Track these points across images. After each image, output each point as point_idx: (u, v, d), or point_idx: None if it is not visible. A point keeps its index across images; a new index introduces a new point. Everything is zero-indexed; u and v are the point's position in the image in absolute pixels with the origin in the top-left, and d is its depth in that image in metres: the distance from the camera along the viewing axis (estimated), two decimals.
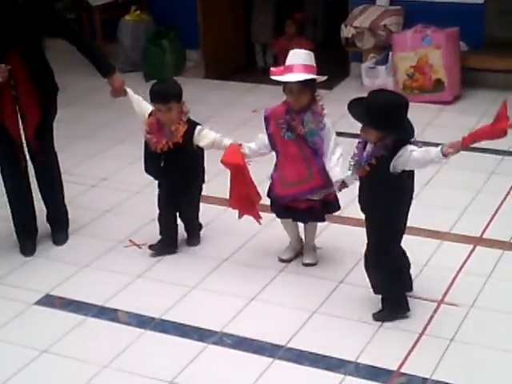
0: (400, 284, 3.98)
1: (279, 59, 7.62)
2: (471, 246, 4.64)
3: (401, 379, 3.62)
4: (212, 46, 7.84)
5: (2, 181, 4.79)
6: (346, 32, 7.18)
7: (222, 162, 4.29)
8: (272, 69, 4.26)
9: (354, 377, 3.65)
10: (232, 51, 7.97)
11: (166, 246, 4.69)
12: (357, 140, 3.90)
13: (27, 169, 4.75)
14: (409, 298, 4.06)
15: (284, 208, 4.39)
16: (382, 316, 4.00)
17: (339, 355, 3.78)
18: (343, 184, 4.12)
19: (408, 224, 4.80)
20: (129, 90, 4.74)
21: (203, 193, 4.71)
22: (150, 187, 5.00)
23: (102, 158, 6.14)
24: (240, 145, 4.34)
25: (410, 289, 4.05)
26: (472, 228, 4.83)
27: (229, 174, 4.36)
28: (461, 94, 6.97)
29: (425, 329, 3.93)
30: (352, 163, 3.89)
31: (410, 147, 3.69)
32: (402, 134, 3.73)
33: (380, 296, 4.02)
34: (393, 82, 6.95)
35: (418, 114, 6.52)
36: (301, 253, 4.57)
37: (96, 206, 5.31)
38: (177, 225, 4.71)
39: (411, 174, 3.80)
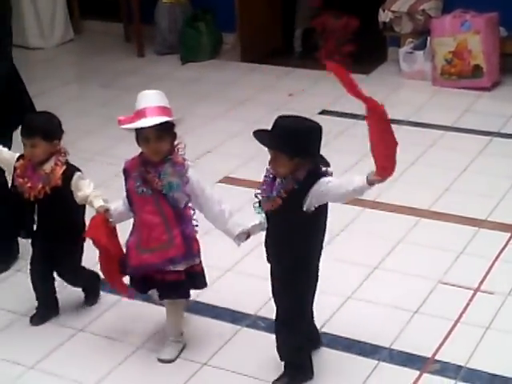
0: (309, 348, 3.58)
1: (322, 38, 7.57)
2: (508, 234, 4.59)
3: (435, 366, 3.60)
4: (248, 29, 7.80)
5: None
6: (384, 16, 7.11)
7: (84, 235, 3.72)
8: (120, 118, 3.57)
9: (387, 363, 3.63)
10: (269, 34, 7.93)
11: (45, 313, 4.05)
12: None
13: None
14: (446, 286, 4.05)
15: (143, 280, 3.65)
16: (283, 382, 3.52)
17: (373, 341, 3.76)
18: (248, 235, 3.55)
19: (445, 211, 4.81)
20: None
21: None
22: None
23: None
24: (107, 210, 3.65)
25: (319, 343, 3.73)
26: (509, 216, 4.77)
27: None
28: (500, 81, 6.87)
29: (460, 316, 3.90)
30: (259, 197, 3.33)
31: (326, 179, 3.20)
32: (320, 160, 3.23)
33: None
34: (431, 68, 6.88)
35: (456, 100, 6.54)
36: None
37: None
38: (54, 287, 4.04)
39: (325, 209, 3.30)
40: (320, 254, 3.41)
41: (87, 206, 3.82)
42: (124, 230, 3.70)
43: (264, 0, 7.84)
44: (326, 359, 3.69)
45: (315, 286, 3.46)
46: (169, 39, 7.95)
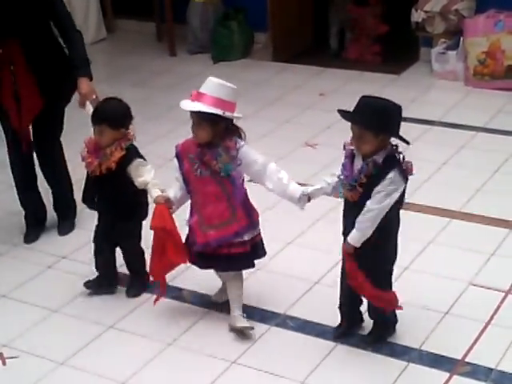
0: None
1: (353, 34, 7.57)
2: None
3: (465, 368, 3.58)
4: (280, 28, 7.80)
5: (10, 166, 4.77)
6: (417, 16, 7.07)
7: (150, 227, 3.79)
8: (193, 91, 3.68)
9: (417, 364, 3.62)
10: (300, 34, 7.92)
11: (102, 284, 4.22)
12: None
13: (31, 156, 4.69)
14: (477, 287, 4.03)
15: (206, 256, 3.80)
16: (375, 339, 3.76)
17: (403, 342, 3.75)
18: (309, 198, 3.67)
19: (476, 212, 4.79)
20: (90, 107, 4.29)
21: None
22: None
23: (169, 138, 6.18)
24: (168, 199, 3.76)
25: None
26: None
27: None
28: None
29: (491, 318, 3.88)
30: (340, 182, 3.51)
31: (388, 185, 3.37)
32: (401, 138, 3.41)
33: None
34: (463, 68, 6.83)
35: (489, 101, 6.49)
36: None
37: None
38: (115, 260, 4.22)
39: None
40: (397, 234, 3.59)
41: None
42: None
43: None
44: (355, 360, 3.68)
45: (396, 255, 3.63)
46: (201, 38, 7.98)
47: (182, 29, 7.96)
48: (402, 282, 4.15)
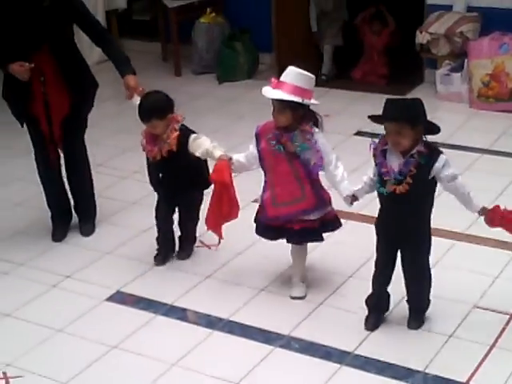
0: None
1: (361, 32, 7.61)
2: None
3: None
4: (285, 49, 7.83)
5: (36, 168, 4.98)
6: (421, 38, 7.09)
7: (209, 179, 4.22)
8: (272, 79, 4.09)
9: None
10: (305, 55, 7.93)
11: (166, 254, 4.65)
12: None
13: (58, 159, 4.91)
14: (481, 310, 4.02)
15: (275, 229, 4.16)
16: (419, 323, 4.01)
17: (407, 364, 3.74)
18: (354, 198, 3.96)
19: (481, 235, 4.78)
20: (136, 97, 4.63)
21: None
22: None
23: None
24: (230, 158, 4.15)
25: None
26: None
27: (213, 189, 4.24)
28: None
29: (496, 341, 3.87)
30: (379, 179, 3.77)
31: (450, 168, 3.73)
32: (433, 126, 3.72)
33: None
34: (468, 90, 6.85)
35: (493, 123, 6.50)
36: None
37: None
38: (172, 229, 4.66)
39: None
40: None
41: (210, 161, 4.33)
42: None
43: (301, 20, 7.87)
44: (359, 382, 3.67)
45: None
46: (206, 59, 8.00)
47: (187, 49, 7.99)
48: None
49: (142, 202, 5.28)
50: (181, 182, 4.42)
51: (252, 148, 4.13)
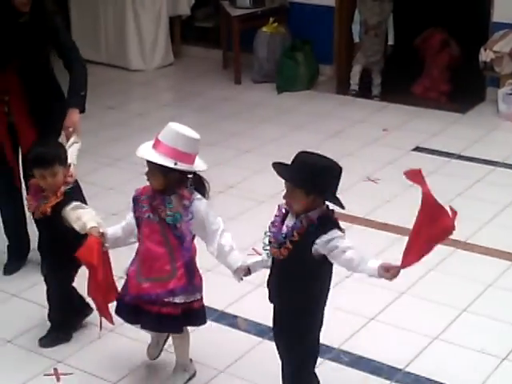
0: None
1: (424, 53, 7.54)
2: None
3: None
4: (345, 61, 7.83)
5: None
6: (485, 56, 7.02)
7: (76, 254, 3.54)
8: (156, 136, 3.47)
9: None
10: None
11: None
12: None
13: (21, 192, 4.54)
14: None
15: (134, 310, 3.56)
16: None
17: None
18: (248, 271, 3.45)
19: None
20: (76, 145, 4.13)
21: None
22: (276, 198, 5.02)
23: (229, 166, 6.21)
24: (102, 234, 3.54)
25: None
26: None
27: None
28: None
29: None
30: (267, 241, 3.24)
31: (343, 241, 3.09)
32: (335, 201, 3.13)
33: None
34: None
35: None
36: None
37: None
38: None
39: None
40: (327, 299, 3.26)
41: None
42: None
43: None
44: None
45: (320, 330, 3.32)
46: (266, 68, 8.04)
47: (248, 57, 8.03)
48: (459, 323, 4.09)
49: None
50: (49, 244, 3.92)
51: (129, 216, 3.58)
